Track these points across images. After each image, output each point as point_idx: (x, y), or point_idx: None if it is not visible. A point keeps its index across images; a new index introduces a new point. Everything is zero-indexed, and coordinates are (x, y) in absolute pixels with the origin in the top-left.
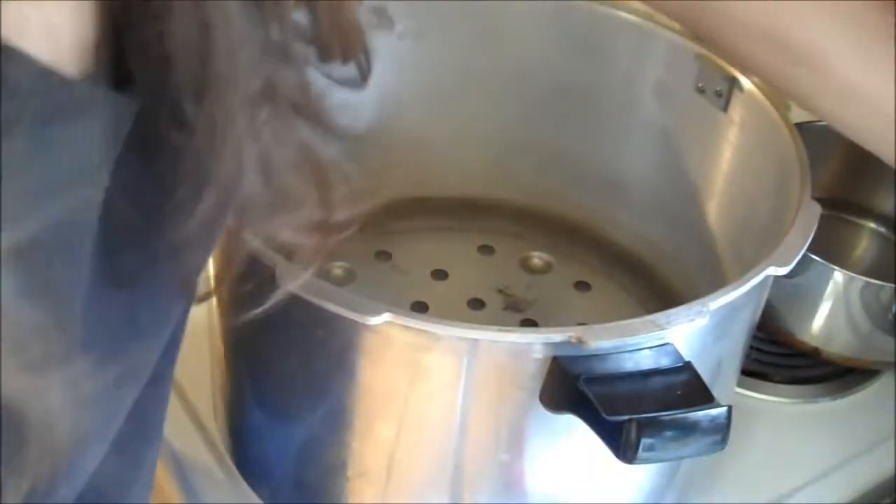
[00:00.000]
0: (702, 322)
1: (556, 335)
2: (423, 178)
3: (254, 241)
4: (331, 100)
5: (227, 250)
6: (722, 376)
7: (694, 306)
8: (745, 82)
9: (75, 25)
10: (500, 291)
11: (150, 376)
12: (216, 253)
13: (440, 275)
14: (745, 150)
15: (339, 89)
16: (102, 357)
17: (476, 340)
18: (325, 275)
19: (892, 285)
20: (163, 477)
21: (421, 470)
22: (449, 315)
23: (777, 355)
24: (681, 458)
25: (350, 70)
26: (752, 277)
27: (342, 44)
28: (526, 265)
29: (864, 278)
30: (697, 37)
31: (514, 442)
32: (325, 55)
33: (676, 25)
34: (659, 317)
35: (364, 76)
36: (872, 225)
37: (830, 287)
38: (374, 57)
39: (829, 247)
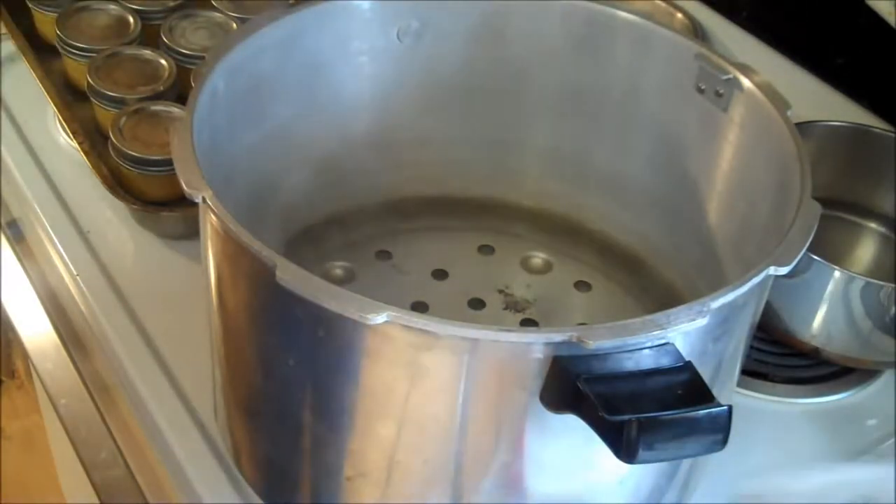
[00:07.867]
0: (702, 322)
1: (556, 335)
2: (423, 177)
3: (253, 241)
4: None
5: None
6: (722, 376)
7: (694, 306)
8: (746, 82)
9: None
10: (500, 291)
11: None
12: None
13: (440, 275)
14: (745, 150)
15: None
16: None
17: (476, 340)
18: (325, 274)
19: (892, 285)
20: (163, 477)
21: (421, 470)
22: (449, 315)
23: (777, 355)
24: (681, 457)
25: None
26: (752, 277)
27: None
28: (526, 265)
29: (864, 278)
30: None
31: (514, 442)
32: None
33: (676, 25)
34: (659, 317)
35: None
36: (872, 225)
37: (830, 287)
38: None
39: (829, 247)
